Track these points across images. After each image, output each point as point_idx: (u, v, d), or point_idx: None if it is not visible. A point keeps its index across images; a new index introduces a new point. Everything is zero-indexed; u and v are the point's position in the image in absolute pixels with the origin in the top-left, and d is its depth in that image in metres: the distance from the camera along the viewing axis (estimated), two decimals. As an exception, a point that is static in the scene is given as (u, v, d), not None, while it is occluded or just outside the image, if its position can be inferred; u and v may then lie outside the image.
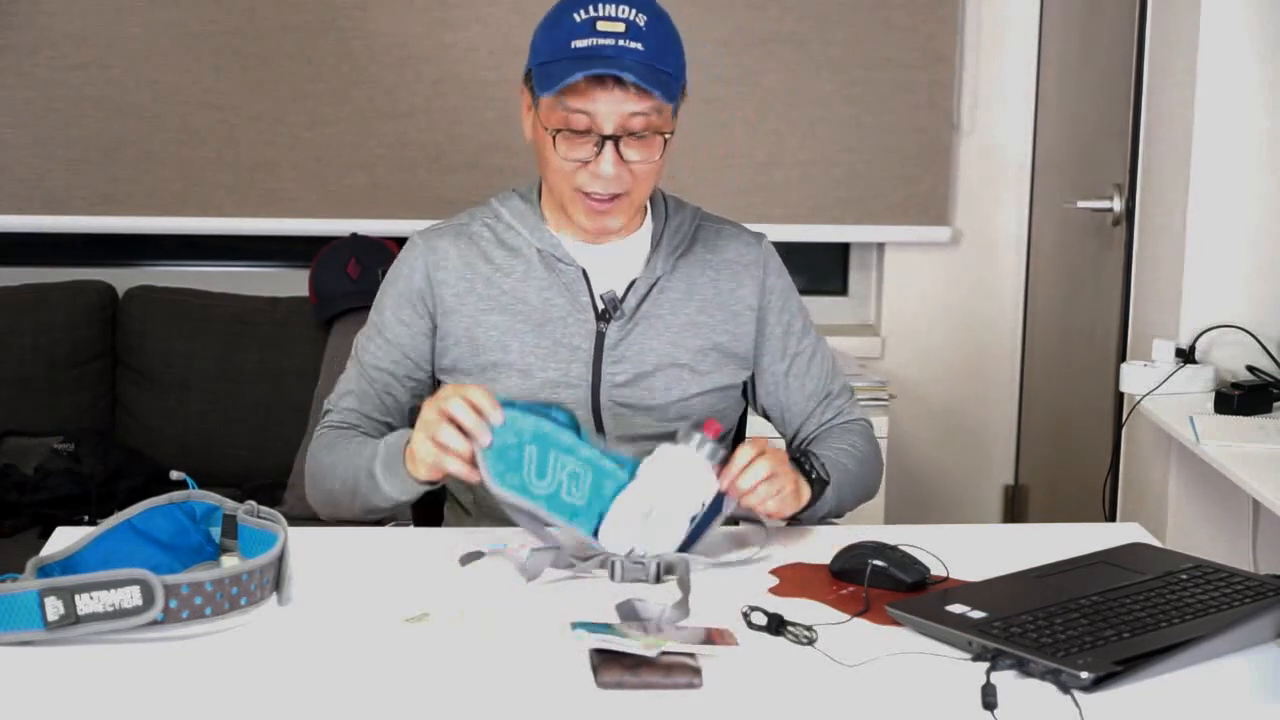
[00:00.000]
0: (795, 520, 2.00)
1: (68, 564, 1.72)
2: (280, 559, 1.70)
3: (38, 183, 3.74)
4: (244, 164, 3.77)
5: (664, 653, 1.51)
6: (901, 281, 4.03)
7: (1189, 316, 3.07)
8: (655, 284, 2.11)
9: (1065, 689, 1.49)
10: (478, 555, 1.85)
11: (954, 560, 1.84)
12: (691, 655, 1.53)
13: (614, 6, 1.95)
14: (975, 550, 1.91)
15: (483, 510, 2.12)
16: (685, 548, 1.84)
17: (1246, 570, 1.80)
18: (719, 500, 1.85)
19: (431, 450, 1.80)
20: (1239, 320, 3.05)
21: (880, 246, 4.05)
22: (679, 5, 2.07)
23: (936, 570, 1.82)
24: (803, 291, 2.27)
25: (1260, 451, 2.64)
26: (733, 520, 2.19)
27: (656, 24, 1.98)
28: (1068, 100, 3.79)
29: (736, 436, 2.28)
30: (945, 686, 1.52)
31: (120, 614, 1.56)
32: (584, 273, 2.09)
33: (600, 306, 2.09)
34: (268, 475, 3.43)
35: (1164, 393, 2.97)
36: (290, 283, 3.79)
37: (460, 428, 1.78)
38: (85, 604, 1.56)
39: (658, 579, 1.79)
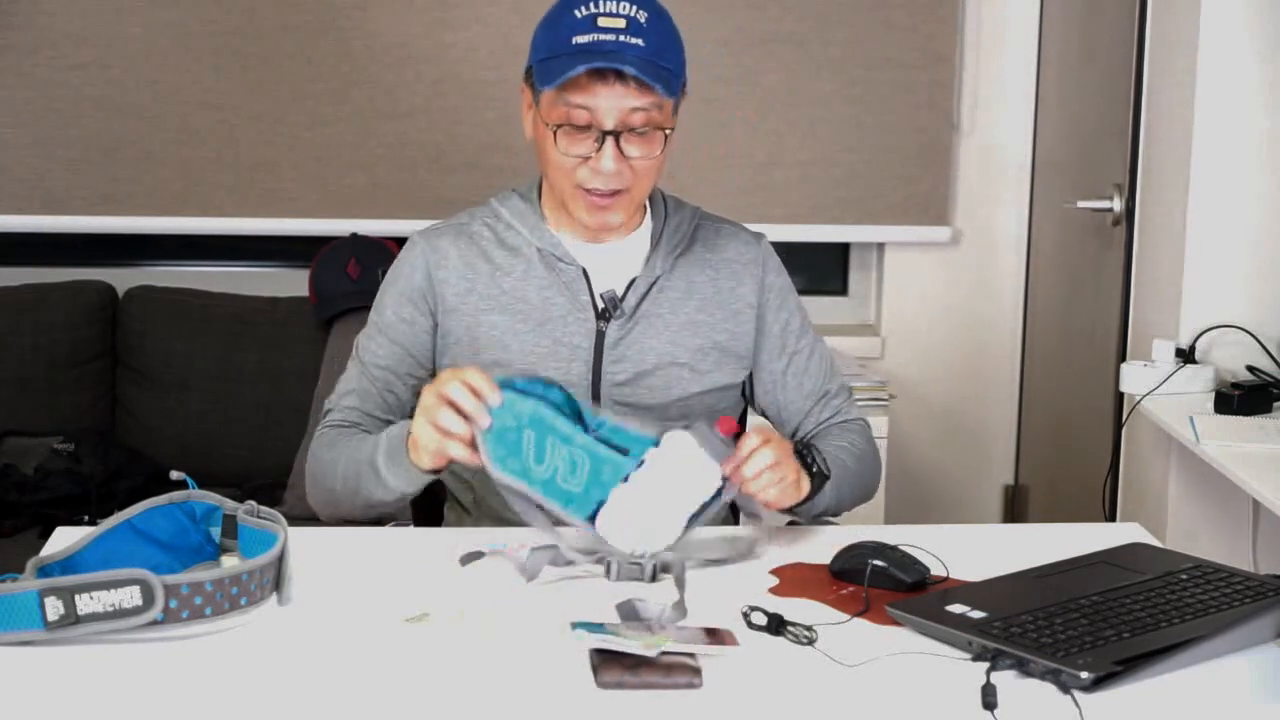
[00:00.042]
0: (791, 513, 2.00)
1: (68, 564, 1.72)
2: (280, 559, 1.70)
3: (38, 183, 3.74)
4: (244, 164, 3.77)
5: (664, 653, 1.52)
6: (901, 281, 4.03)
7: (1189, 316, 3.07)
8: (655, 283, 2.11)
9: (1065, 689, 1.49)
10: (478, 555, 1.85)
11: (954, 560, 1.84)
12: (691, 655, 1.53)
13: (615, 3, 1.95)
14: (975, 550, 1.91)
15: (483, 510, 2.12)
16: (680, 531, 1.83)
17: (1246, 570, 1.80)
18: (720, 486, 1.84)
19: (433, 436, 1.80)
20: (1239, 320, 3.05)
21: (880, 246, 4.05)
22: (679, 5, 2.07)
23: (936, 570, 1.82)
24: (802, 291, 2.27)
25: (1260, 451, 2.64)
26: (733, 514, 2.20)
27: (657, 21, 1.98)
28: (1068, 100, 3.79)
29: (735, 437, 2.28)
30: (945, 686, 1.52)
31: (120, 614, 1.56)
32: (584, 272, 2.09)
33: (600, 305, 2.09)
34: (268, 475, 3.43)
35: (1164, 393, 2.97)
36: (290, 283, 3.79)
37: (460, 411, 1.78)
38: (85, 604, 1.56)
39: (653, 578, 1.79)
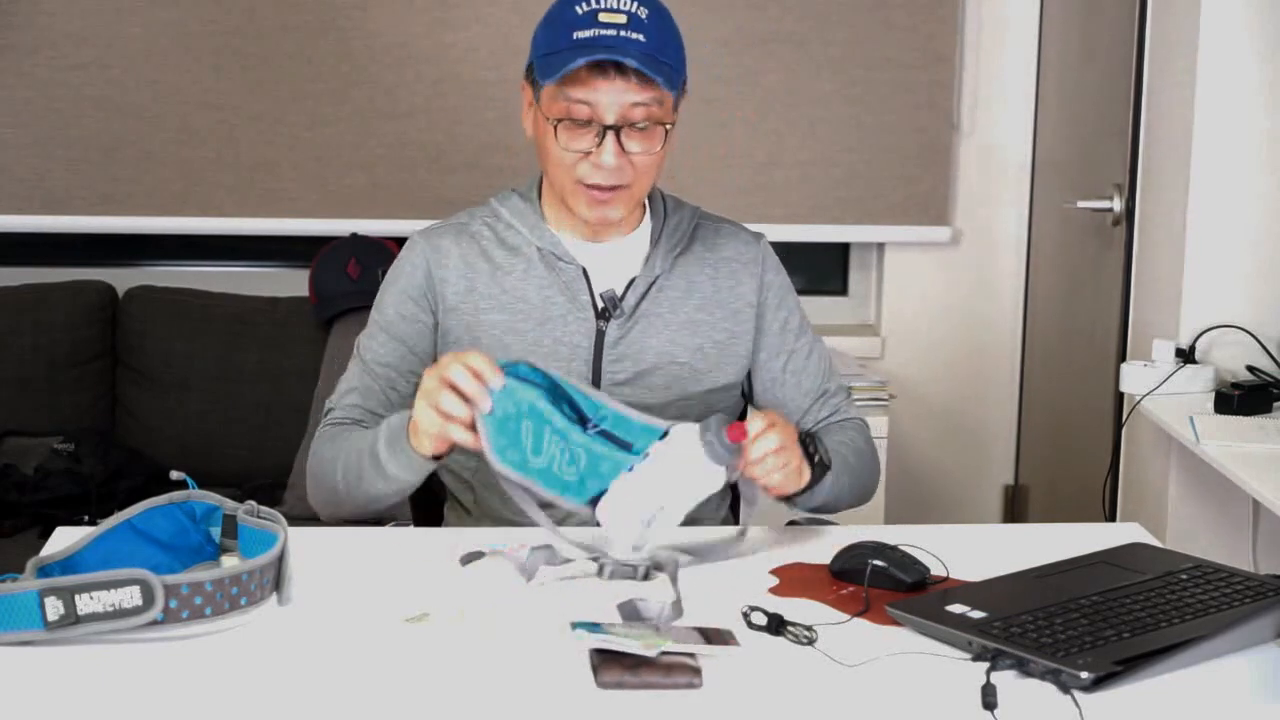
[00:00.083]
0: (789, 501, 1.99)
1: (68, 564, 1.71)
2: (280, 559, 1.70)
3: (38, 183, 3.74)
4: (244, 164, 3.77)
5: (664, 653, 1.51)
6: (901, 281, 4.03)
7: (1189, 316, 3.07)
8: (654, 282, 2.12)
9: (1065, 689, 1.49)
10: (478, 555, 1.85)
11: (954, 560, 1.84)
12: (691, 655, 1.53)
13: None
14: (975, 550, 1.91)
15: (483, 510, 2.12)
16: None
17: (1246, 570, 1.80)
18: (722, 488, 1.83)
19: (434, 419, 1.79)
20: (1239, 320, 3.05)
21: (880, 246, 4.05)
22: (679, 5, 2.07)
23: (936, 570, 1.81)
24: (802, 291, 2.27)
25: (1260, 451, 2.64)
26: (733, 515, 2.20)
27: (657, 17, 1.99)
28: (1068, 100, 3.79)
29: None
30: (945, 686, 1.52)
31: (120, 614, 1.56)
32: (584, 271, 2.09)
33: (600, 305, 2.09)
34: (268, 475, 3.43)
35: (1164, 393, 2.97)
36: (290, 283, 3.79)
37: (461, 394, 1.77)
38: (85, 604, 1.56)
39: (646, 576, 1.78)
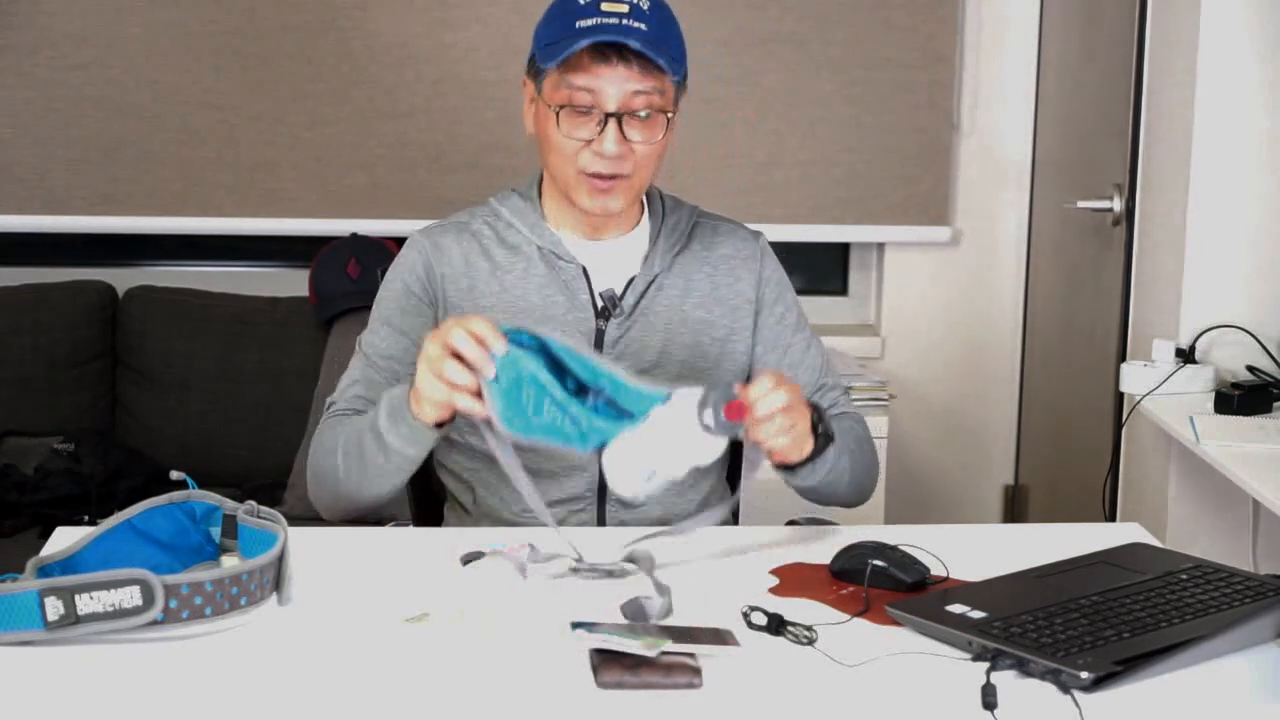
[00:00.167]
0: (790, 473, 1.97)
1: (68, 564, 1.71)
2: (280, 559, 1.70)
3: (38, 183, 3.74)
4: (244, 164, 3.77)
5: (664, 653, 1.51)
6: (901, 281, 4.04)
7: (1189, 316, 3.07)
8: (653, 281, 2.12)
9: (1065, 689, 1.49)
10: (478, 555, 1.85)
11: (954, 560, 1.84)
12: (691, 655, 1.53)
13: None
14: (975, 550, 1.91)
15: (483, 510, 2.12)
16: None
17: (1246, 570, 1.80)
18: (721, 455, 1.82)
19: (438, 386, 1.77)
20: (1239, 320, 3.05)
21: (880, 246, 4.05)
22: (679, 5, 2.07)
23: (936, 570, 1.81)
24: (802, 291, 2.27)
25: (1260, 451, 2.64)
26: (733, 516, 2.20)
27: (659, 10, 2.01)
28: (1068, 100, 3.79)
29: (733, 446, 2.27)
30: (945, 686, 1.52)
31: (120, 614, 1.56)
32: (584, 270, 2.09)
33: (599, 304, 2.09)
34: (268, 475, 3.43)
35: (1164, 393, 2.97)
36: (290, 283, 3.79)
37: (463, 360, 1.75)
38: (85, 604, 1.56)
39: (623, 575, 1.78)
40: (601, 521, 2.08)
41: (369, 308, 2.16)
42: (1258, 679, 1.56)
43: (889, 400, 3.62)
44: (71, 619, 1.56)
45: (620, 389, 1.78)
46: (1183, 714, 1.50)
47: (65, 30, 3.69)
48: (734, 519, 2.22)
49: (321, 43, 3.74)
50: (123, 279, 3.72)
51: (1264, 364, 3.03)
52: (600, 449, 1.77)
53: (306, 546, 1.79)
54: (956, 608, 1.65)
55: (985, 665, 1.53)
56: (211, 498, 1.82)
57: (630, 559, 1.81)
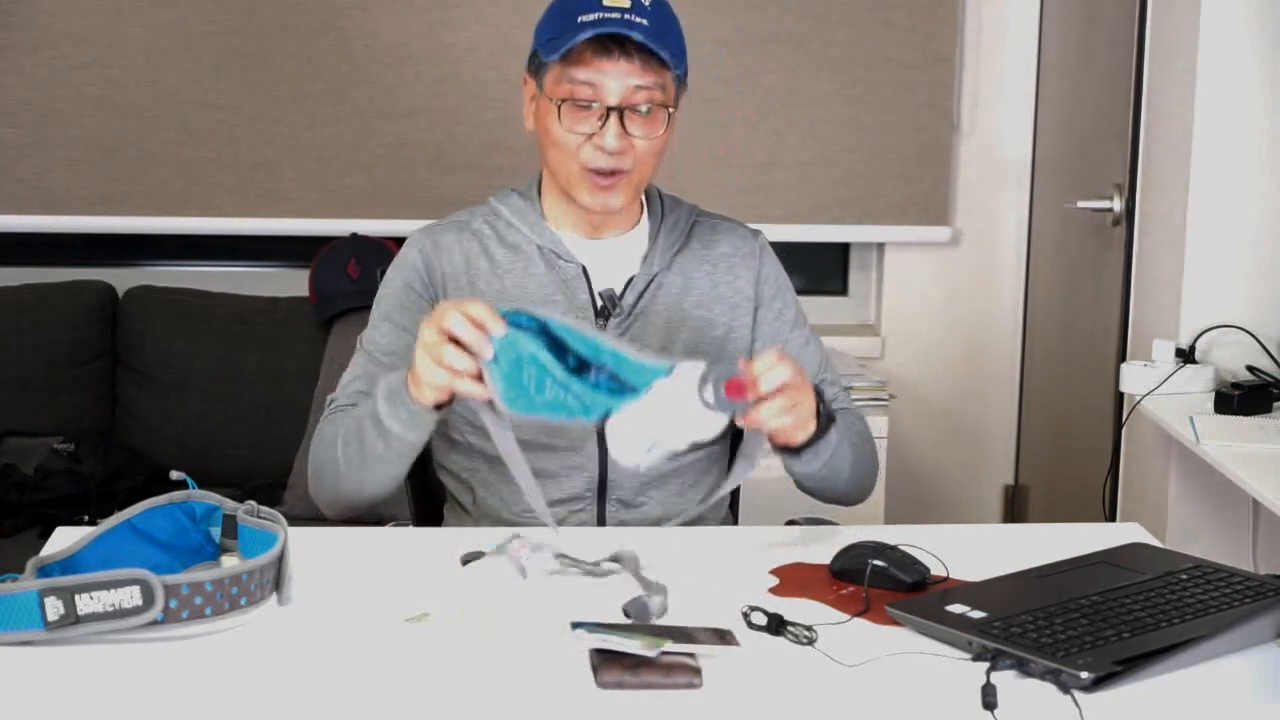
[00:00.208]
0: (791, 457, 1.96)
1: (68, 564, 1.71)
2: (280, 559, 1.70)
3: (38, 183, 3.74)
4: (244, 164, 3.77)
5: (664, 653, 1.51)
6: (901, 281, 4.03)
7: (1189, 316, 3.07)
8: (653, 280, 2.12)
9: (1065, 689, 1.49)
10: (478, 555, 1.85)
11: (954, 560, 1.84)
12: (691, 655, 1.53)
13: None
14: (975, 550, 1.91)
15: (482, 510, 2.12)
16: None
17: (1246, 570, 1.80)
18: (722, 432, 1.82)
19: (437, 371, 1.77)
20: (1239, 320, 3.05)
21: (880, 246, 4.05)
22: (679, 5, 2.07)
23: (936, 570, 1.81)
24: (802, 292, 2.27)
25: (1260, 451, 2.64)
26: (732, 515, 2.20)
27: (659, 7, 2.01)
28: (1068, 100, 3.79)
29: (735, 438, 2.27)
30: (945, 686, 1.52)
31: (120, 614, 1.56)
32: (584, 270, 2.09)
33: (599, 304, 2.09)
34: (268, 475, 3.43)
35: (1164, 393, 2.97)
36: (290, 283, 3.79)
37: (461, 344, 1.75)
38: (85, 604, 1.56)
39: (605, 574, 1.79)
40: (601, 521, 2.08)
41: (369, 308, 2.16)
42: (1258, 679, 1.56)
43: (889, 400, 3.62)
44: (71, 619, 1.56)
45: (622, 363, 1.77)
46: (1183, 714, 1.50)
47: (65, 30, 3.69)
48: (734, 519, 2.23)
49: (321, 43, 3.74)
50: (123, 279, 3.72)
51: (1264, 364, 3.03)
52: (604, 420, 1.76)
53: (306, 546, 1.79)
54: (956, 608, 1.65)
55: (985, 665, 1.53)
56: (211, 498, 1.82)
57: (614, 558, 1.80)
